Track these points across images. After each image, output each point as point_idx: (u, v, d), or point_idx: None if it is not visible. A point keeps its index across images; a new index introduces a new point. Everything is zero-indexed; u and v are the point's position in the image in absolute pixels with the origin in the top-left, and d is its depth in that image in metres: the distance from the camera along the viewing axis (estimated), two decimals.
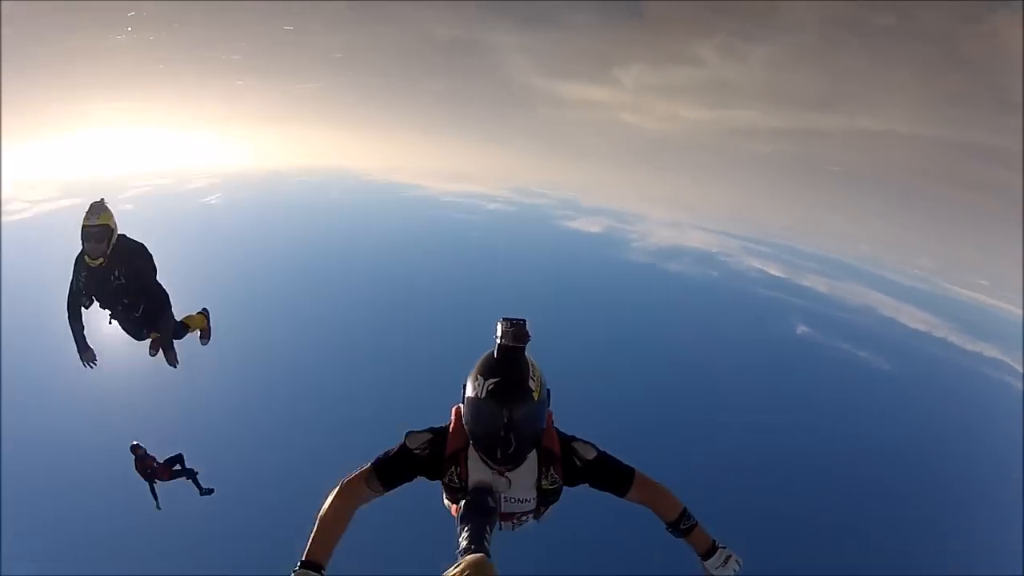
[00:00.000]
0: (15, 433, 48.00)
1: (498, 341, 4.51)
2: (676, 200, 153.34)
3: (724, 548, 5.00)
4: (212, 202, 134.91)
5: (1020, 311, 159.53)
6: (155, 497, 14.54)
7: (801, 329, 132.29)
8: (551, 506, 5.18)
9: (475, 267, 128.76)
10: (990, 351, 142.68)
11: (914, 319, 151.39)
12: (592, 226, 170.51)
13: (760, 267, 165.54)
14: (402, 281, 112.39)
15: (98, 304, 9.09)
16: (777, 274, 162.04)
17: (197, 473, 15.30)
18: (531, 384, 4.48)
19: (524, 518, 5.24)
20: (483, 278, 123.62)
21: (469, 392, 4.48)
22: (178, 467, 14.89)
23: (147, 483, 14.35)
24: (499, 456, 4.47)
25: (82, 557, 44.53)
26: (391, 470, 4.71)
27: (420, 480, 4.73)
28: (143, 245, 8.96)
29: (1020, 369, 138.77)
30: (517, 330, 4.51)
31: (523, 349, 4.54)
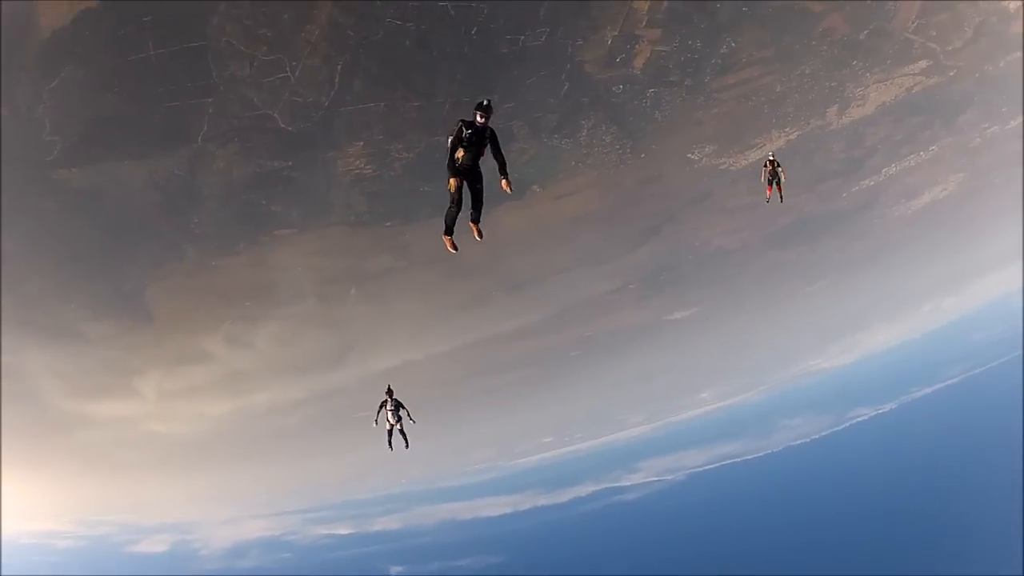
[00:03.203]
0: None
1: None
2: (225, 496, 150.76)
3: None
4: None
5: (598, 442, 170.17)
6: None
7: (395, 571, 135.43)
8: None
9: None
10: (586, 489, 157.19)
11: (496, 506, 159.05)
12: (157, 545, 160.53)
13: (328, 532, 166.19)
14: None
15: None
16: (347, 531, 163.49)
17: None
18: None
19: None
20: None
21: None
22: None
23: None
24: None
25: None
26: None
27: None
28: None
29: (631, 481, 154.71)
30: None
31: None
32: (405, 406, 23.58)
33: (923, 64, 60.14)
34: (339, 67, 47.27)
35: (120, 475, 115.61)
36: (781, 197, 30.76)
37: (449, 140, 12.73)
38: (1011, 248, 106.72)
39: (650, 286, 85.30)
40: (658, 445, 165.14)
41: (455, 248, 13.75)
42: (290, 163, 51.80)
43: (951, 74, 61.81)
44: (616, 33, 50.98)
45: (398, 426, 23.58)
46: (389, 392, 23.66)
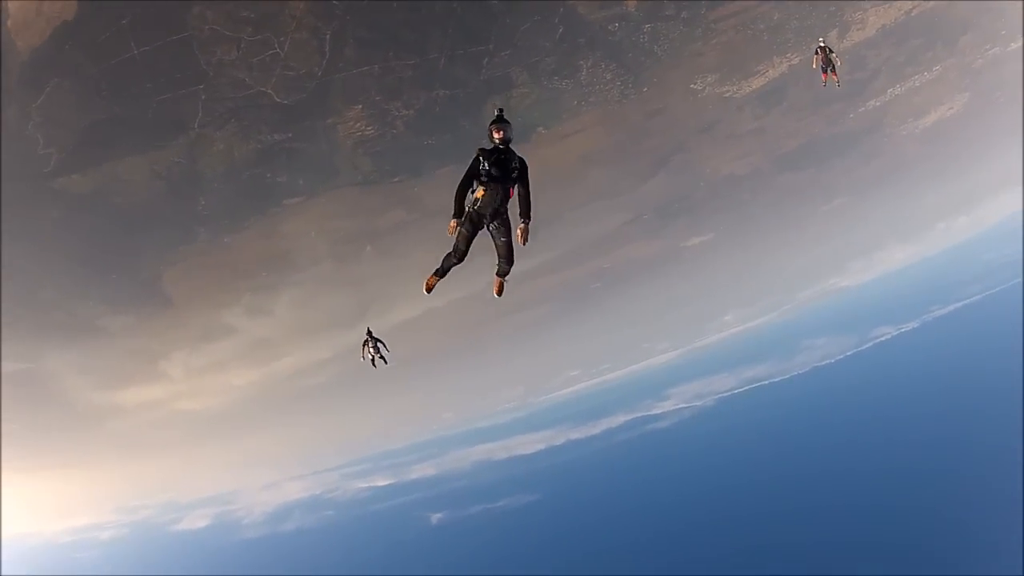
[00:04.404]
0: None
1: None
2: (262, 462, 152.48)
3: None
4: None
5: (626, 371, 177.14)
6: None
7: (436, 518, 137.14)
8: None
9: None
10: (617, 419, 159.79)
11: (530, 443, 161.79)
12: (199, 520, 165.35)
13: (367, 485, 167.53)
14: None
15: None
16: (385, 483, 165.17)
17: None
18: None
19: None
20: None
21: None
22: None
23: None
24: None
25: None
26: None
27: None
28: None
29: (662, 409, 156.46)
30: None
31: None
32: (383, 341, 28.89)
33: None
34: (328, 36, 46.66)
35: (155, 458, 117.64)
36: (838, 82, 31.24)
37: (460, 181, 10.74)
38: (1015, 167, 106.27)
39: (664, 215, 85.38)
40: (686, 371, 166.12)
41: (429, 290, 11.85)
42: (290, 135, 51.64)
43: None
44: None
45: (378, 355, 28.77)
46: (369, 333, 28.94)
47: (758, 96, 65.99)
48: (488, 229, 10.93)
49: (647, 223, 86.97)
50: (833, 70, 30.21)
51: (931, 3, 61.16)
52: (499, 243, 11.08)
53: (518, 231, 10.62)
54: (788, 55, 61.60)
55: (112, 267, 60.46)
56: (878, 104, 74.85)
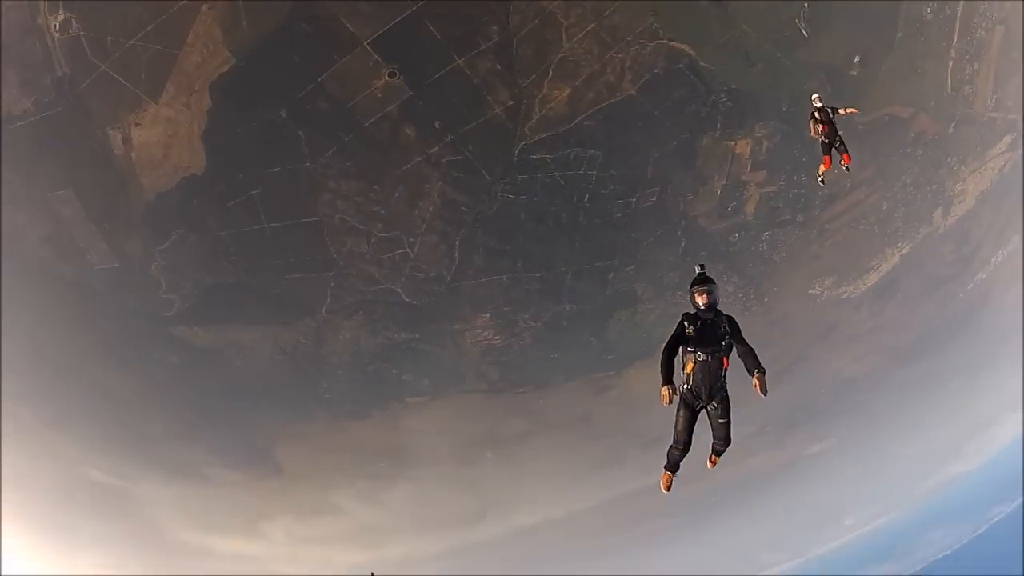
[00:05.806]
0: None
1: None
2: None
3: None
4: None
5: None
6: None
7: None
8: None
9: None
10: None
11: None
12: None
13: None
14: None
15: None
16: None
17: None
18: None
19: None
20: None
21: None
22: None
23: None
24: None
25: None
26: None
27: None
28: None
29: None
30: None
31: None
32: None
33: (1008, 139, 58.25)
34: (457, 242, 48.36)
35: None
36: (847, 167, 21.04)
37: (663, 347, 9.98)
38: None
39: (786, 425, 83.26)
40: None
41: (668, 487, 11.08)
42: (417, 335, 52.78)
43: None
44: (724, 182, 51.51)
45: None
46: None
47: (874, 292, 64.87)
48: (707, 409, 10.16)
49: (769, 434, 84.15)
50: (842, 147, 20.26)
51: (1019, 152, 59.26)
52: (717, 425, 10.38)
53: (755, 384, 9.86)
54: (898, 245, 61.00)
55: (224, 423, 60.97)
56: (984, 276, 72.26)
